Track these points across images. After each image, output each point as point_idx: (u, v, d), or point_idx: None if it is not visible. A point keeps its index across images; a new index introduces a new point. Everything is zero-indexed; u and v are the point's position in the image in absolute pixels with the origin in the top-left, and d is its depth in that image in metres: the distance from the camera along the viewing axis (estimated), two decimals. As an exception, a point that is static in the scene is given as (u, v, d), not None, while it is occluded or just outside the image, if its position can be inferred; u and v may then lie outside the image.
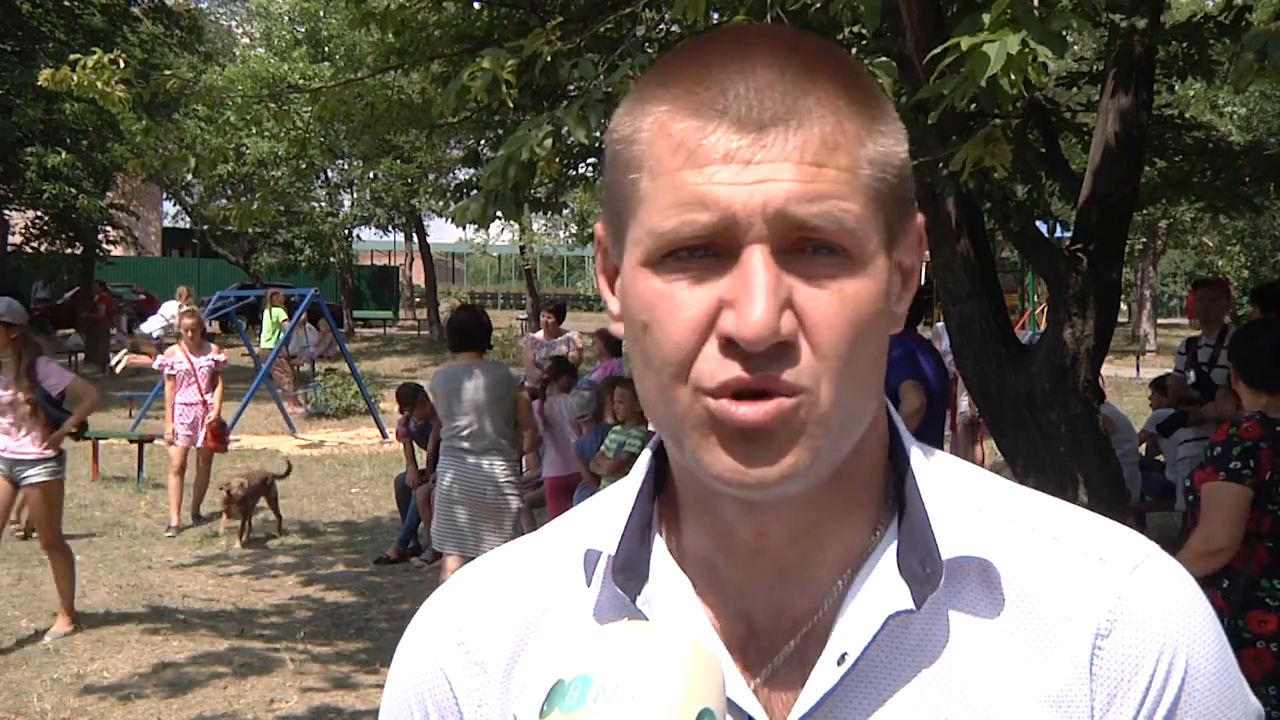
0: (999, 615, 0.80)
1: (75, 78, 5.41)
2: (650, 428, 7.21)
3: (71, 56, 5.62)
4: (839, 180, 0.74)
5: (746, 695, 0.80)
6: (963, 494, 0.85)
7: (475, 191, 4.54)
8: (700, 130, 0.75)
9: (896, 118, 0.81)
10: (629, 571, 0.83)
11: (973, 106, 3.44)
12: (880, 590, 0.80)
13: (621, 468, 7.24)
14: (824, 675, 0.79)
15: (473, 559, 1.02)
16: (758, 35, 0.79)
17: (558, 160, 8.10)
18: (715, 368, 0.74)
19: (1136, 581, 0.80)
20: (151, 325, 15.67)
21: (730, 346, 0.73)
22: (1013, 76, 2.86)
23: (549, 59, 4.65)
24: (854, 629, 0.79)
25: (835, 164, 0.74)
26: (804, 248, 0.74)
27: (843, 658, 0.78)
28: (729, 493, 0.78)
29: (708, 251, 0.75)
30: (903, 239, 0.82)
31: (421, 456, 9.64)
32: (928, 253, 5.51)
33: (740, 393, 0.74)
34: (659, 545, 0.85)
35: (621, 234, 0.80)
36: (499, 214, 4.42)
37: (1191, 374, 7.12)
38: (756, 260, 0.73)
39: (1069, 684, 0.78)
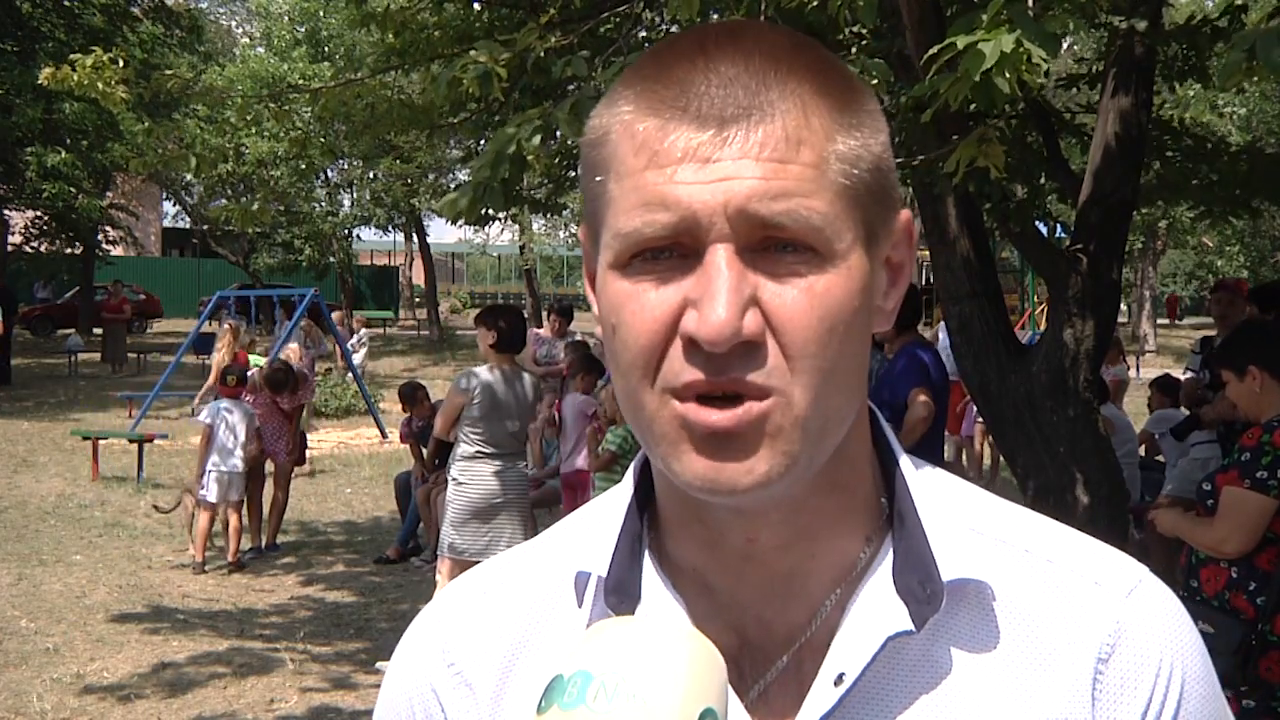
0: (996, 639, 0.80)
1: (75, 77, 5.41)
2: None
3: (71, 56, 5.62)
4: (803, 177, 0.72)
5: (740, 713, 0.78)
6: (955, 511, 0.84)
7: (464, 184, 4.51)
8: (662, 129, 0.73)
9: (876, 112, 0.79)
10: (622, 593, 0.82)
11: (971, 106, 3.45)
12: (877, 609, 0.78)
13: (606, 466, 7.29)
14: (821, 695, 0.77)
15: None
16: (722, 31, 0.77)
17: (557, 160, 8.13)
18: (680, 369, 0.73)
19: (1133, 606, 0.81)
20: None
21: (693, 347, 0.72)
22: (1008, 75, 2.87)
23: (541, 54, 4.65)
24: (852, 648, 0.78)
25: (800, 160, 0.72)
26: (770, 246, 0.73)
27: (840, 678, 0.77)
28: (704, 499, 0.76)
29: (674, 252, 0.73)
30: (886, 235, 0.80)
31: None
32: (928, 253, 5.51)
33: (706, 395, 0.73)
34: (649, 562, 0.83)
35: (597, 237, 0.79)
36: (488, 208, 4.40)
37: (1207, 374, 7.09)
38: (719, 259, 0.72)
39: (1070, 707, 0.78)
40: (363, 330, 20.06)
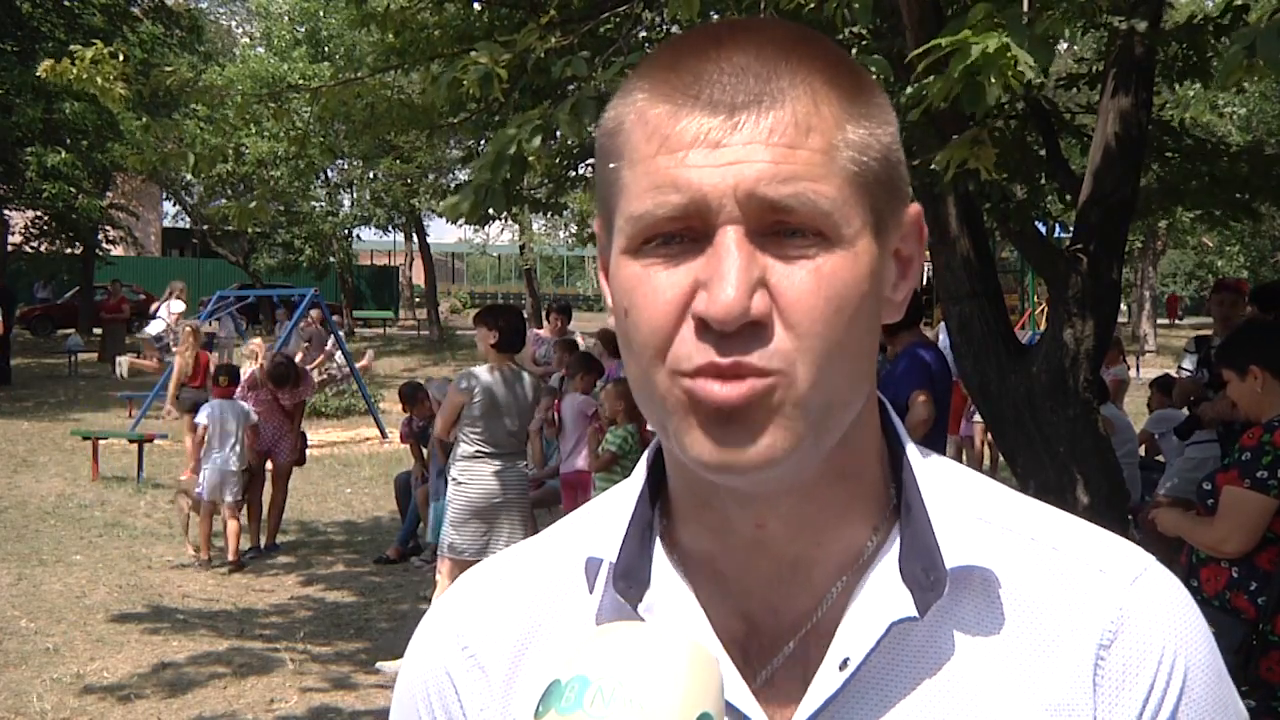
0: (1000, 625, 0.80)
1: (74, 70, 5.39)
2: (634, 428, 7.26)
3: (71, 46, 5.60)
4: (812, 162, 0.74)
5: (746, 697, 0.79)
6: (962, 500, 0.85)
7: (465, 186, 4.51)
8: (674, 115, 0.75)
9: (885, 104, 0.80)
10: (630, 578, 0.83)
11: (968, 109, 3.44)
12: (882, 595, 0.79)
13: (606, 467, 7.29)
14: (826, 680, 0.78)
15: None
16: (735, 24, 0.79)
17: (557, 160, 8.13)
18: (691, 350, 0.74)
19: (1137, 593, 0.81)
20: (154, 328, 15.40)
21: (704, 328, 0.73)
22: (993, 78, 2.86)
23: (541, 55, 4.65)
24: (856, 633, 0.79)
25: (809, 146, 0.74)
26: (779, 231, 0.74)
27: (844, 663, 0.78)
28: (712, 478, 0.77)
29: (685, 237, 0.75)
30: (895, 226, 0.81)
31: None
32: (928, 253, 5.51)
33: (714, 375, 0.73)
34: (659, 549, 0.85)
35: (610, 224, 0.81)
36: (490, 210, 4.40)
37: (1204, 373, 7.08)
38: (728, 240, 0.73)
39: (1072, 693, 0.79)
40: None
